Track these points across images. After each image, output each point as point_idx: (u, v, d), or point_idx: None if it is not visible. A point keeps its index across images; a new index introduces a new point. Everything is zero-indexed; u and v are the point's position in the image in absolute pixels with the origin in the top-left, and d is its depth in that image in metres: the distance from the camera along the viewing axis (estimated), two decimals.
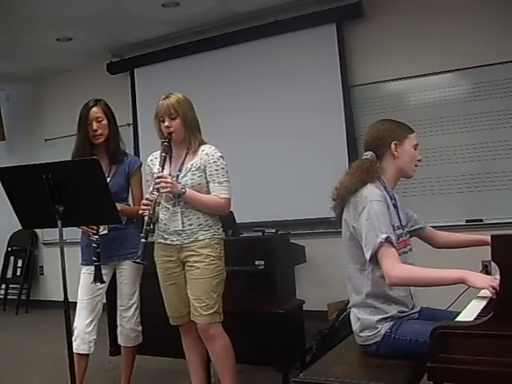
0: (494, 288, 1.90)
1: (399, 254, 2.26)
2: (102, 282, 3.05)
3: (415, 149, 2.39)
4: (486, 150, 4.82)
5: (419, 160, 2.42)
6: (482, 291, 2.06)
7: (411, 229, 2.52)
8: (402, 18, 5.18)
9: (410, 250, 2.40)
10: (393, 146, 2.34)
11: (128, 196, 3.33)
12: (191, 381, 3.16)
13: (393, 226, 2.25)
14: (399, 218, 2.36)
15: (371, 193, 2.24)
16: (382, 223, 2.15)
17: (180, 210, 2.89)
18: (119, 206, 3.05)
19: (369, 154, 2.39)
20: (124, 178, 3.25)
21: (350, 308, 2.42)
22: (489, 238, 2.42)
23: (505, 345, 1.65)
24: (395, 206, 2.36)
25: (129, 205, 3.33)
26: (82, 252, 3.24)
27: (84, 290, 3.16)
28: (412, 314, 2.30)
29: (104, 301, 3.26)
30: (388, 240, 2.13)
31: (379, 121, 2.48)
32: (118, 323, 3.31)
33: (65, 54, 6.52)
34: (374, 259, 2.16)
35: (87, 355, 3.14)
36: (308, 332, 3.84)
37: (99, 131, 3.15)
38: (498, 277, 2.03)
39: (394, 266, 2.10)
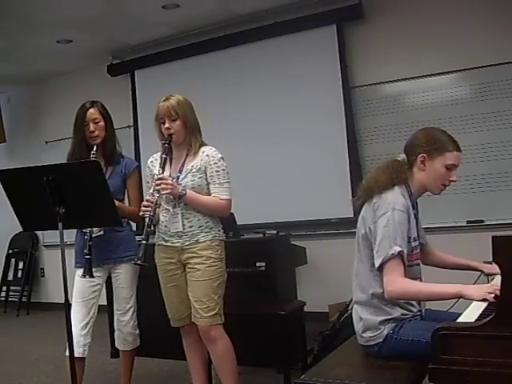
0: (491, 293, 1.92)
1: (411, 266, 2.27)
2: (92, 275, 3.01)
3: (448, 169, 2.25)
4: (487, 150, 4.83)
5: (453, 181, 2.29)
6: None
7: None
8: (402, 19, 5.18)
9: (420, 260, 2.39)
10: (419, 158, 2.28)
11: (124, 198, 3.31)
12: (192, 383, 3.16)
13: (409, 237, 2.23)
14: (417, 229, 2.33)
15: (396, 200, 2.20)
16: (398, 234, 2.13)
17: (180, 212, 2.89)
18: (116, 202, 3.04)
19: (401, 156, 2.36)
20: (120, 180, 3.24)
21: (351, 308, 2.42)
22: (480, 265, 2.45)
23: (506, 346, 1.64)
24: (416, 216, 2.33)
25: None
26: (76, 254, 3.21)
27: (78, 292, 3.12)
28: (416, 315, 2.30)
29: (100, 303, 3.22)
30: (400, 254, 2.12)
31: (428, 127, 2.38)
32: (116, 327, 3.29)
33: (65, 56, 6.54)
34: (381, 267, 2.15)
35: (83, 358, 3.09)
36: (309, 333, 3.84)
37: (96, 132, 3.14)
38: (494, 282, 2.05)
39: (395, 281, 2.10)
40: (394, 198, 2.21)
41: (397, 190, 2.25)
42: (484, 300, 1.97)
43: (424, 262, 2.56)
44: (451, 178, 2.28)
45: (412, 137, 2.36)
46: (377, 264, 2.15)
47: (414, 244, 2.27)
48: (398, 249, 2.11)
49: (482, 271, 2.49)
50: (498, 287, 1.87)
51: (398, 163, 2.34)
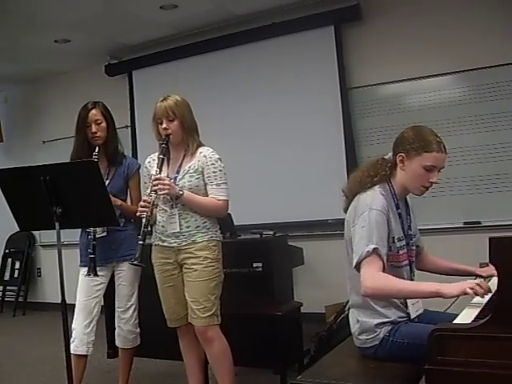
0: (471, 288, 1.90)
1: (400, 267, 2.25)
2: (96, 274, 3.03)
3: (427, 170, 2.19)
4: (484, 152, 4.83)
5: (434, 182, 2.22)
6: (475, 299, 2.05)
7: None
8: (399, 21, 5.19)
9: (411, 263, 2.35)
10: (398, 157, 2.25)
11: (126, 198, 3.33)
12: (189, 383, 3.16)
13: (393, 237, 2.22)
14: (403, 229, 2.30)
15: (375, 200, 2.19)
16: (374, 233, 2.12)
17: (178, 212, 2.89)
18: (119, 201, 3.06)
19: (389, 155, 2.35)
20: (123, 180, 3.26)
21: (348, 309, 2.41)
22: (477, 270, 2.42)
23: (502, 347, 1.65)
24: (400, 215, 2.30)
25: None
26: (81, 253, 3.24)
27: (82, 291, 3.16)
28: (412, 318, 2.29)
29: (102, 303, 3.24)
30: (375, 251, 2.09)
31: (416, 126, 2.31)
32: (116, 325, 3.31)
33: (63, 56, 6.52)
34: (358, 267, 2.13)
35: (86, 356, 3.13)
36: (306, 334, 3.83)
37: (98, 133, 3.16)
38: (491, 284, 2.04)
39: (372, 277, 2.06)
40: (373, 199, 2.20)
41: (377, 189, 2.25)
42: (464, 294, 1.94)
43: (417, 266, 2.51)
44: (431, 180, 2.22)
45: (399, 135, 2.32)
46: (354, 263, 2.13)
47: (399, 244, 2.26)
48: (372, 246, 2.08)
49: (480, 276, 2.46)
50: (480, 283, 1.89)
51: (382, 161, 2.33)
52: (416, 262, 2.48)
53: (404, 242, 2.30)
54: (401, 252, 2.27)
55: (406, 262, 2.31)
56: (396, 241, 2.24)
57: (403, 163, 2.25)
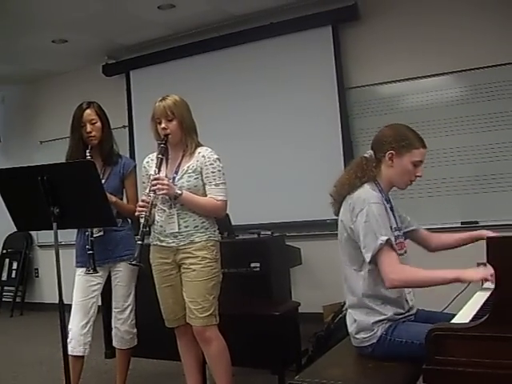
0: (492, 275, 1.94)
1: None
2: (95, 270, 3.03)
3: (415, 165, 2.31)
4: (481, 152, 4.83)
5: (418, 176, 2.34)
6: (486, 283, 2.11)
7: (405, 230, 2.50)
8: (397, 21, 5.19)
9: (405, 252, 2.40)
10: (388, 155, 2.32)
11: (122, 198, 3.33)
12: (187, 383, 3.16)
13: (390, 227, 2.26)
14: (396, 221, 2.37)
15: (369, 195, 2.24)
16: (381, 226, 2.17)
17: (176, 212, 2.89)
18: (113, 197, 3.05)
19: (369, 153, 2.41)
20: (118, 180, 3.26)
21: (345, 309, 2.43)
22: (481, 232, 2.47)
23: (500, 347, 1.65)
24: (391, 209, 2.38)
25: None
26: (77, 254, 3.23)
27: (79, 291, 3.15)
28: (408, 315, 2.31)
29: (99, 303, 3.24)
30: (388, 242, 2.14)
31: (393, 124, 2.42)
32: (113, 325, 3.31)
33: (60, 56, 6.51)
34: (374, 261, 2.17)
35: (82, 357, 3.13)
36: (303, 334, 3.83)
37: (93, 133, 3.15)
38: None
39: (395, 269, 2.13)
40: (366, 194, 2.26)
41: (366, 186, 2.30)
42: (485, 280, 2.04)
43: (429, 249, 2.61)
44: (417, 174, 2.34)
45: (379, 134, 2.40)
46: (368, 258, 2.17)
47: (395, 234, 2.31)
48: (384, 238, 2.14)
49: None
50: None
51: (366, 161, 2.39)
52: (424, 244, 2.59)
53: (399, 232, 2.36)
54: (397, 241, 2.31)
55: (402, 251, 2.35)
56: (393, 230, 2.29)
57: (392, 160, 2.32)
